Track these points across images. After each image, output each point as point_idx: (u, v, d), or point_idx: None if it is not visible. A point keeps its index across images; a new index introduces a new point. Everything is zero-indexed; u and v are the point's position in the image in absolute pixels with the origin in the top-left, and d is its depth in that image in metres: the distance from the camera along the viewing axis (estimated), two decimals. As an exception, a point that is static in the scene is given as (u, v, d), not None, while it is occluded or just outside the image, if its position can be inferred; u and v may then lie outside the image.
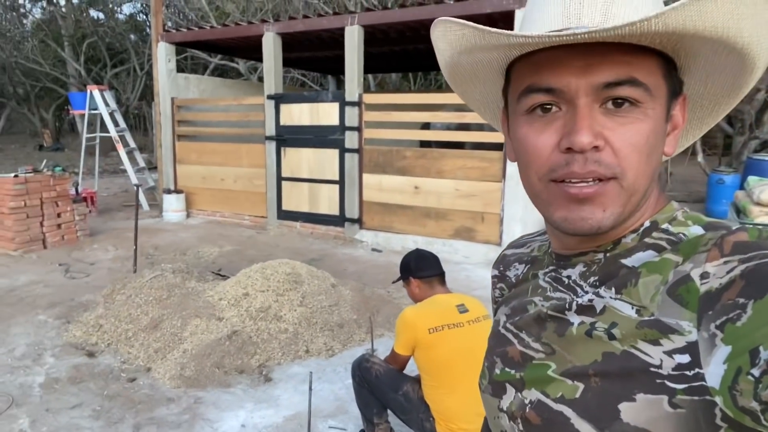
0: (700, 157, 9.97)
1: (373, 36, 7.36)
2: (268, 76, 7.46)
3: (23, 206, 6.15)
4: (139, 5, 21.70)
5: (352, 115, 6.77)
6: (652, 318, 0.53)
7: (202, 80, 9.35)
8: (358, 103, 6.73)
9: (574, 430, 0.56)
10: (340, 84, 13.01)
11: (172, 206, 8.27)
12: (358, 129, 6.78)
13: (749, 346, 0.45)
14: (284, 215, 7.63)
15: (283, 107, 7.38)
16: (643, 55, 0.55)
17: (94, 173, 10.57)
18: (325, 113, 7.02)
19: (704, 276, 0.51)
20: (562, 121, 0.56)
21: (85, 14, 21.14)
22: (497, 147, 6.03)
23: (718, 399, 0.47)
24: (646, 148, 0.56)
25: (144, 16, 22.25)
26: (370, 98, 6.86)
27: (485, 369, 0.74)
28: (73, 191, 7.24)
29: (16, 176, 6.16)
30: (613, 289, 0.58)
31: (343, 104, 6.82)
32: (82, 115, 9.68)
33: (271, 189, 7.66)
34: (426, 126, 7.48)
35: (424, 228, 6.51)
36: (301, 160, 7.37)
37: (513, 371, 0.67)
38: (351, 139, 6.83)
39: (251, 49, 8.73)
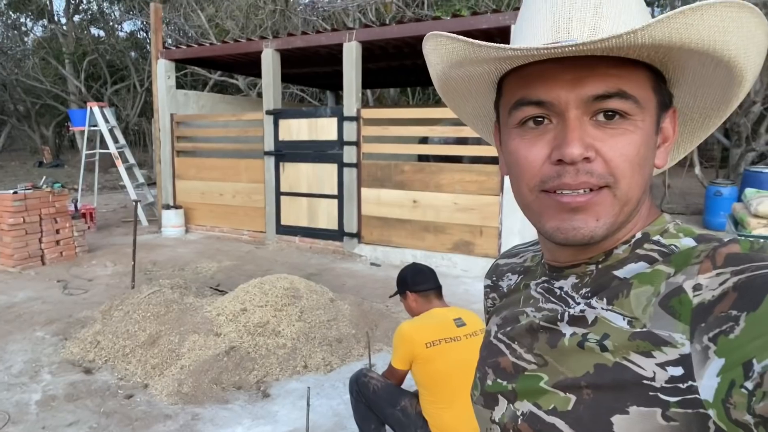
0: (697, 170, 10.00)
1: (371, 52, 7.43)
2: (267, 91, 7.51)
3: (22, 223, 6.15)
4: (139, 23, 21.89)
5: (350, 130, 6.81)
6: (644, 330, 0.53)
7: (202, 96, 9.41)
8: (356, 118, 6.76)
9: None
10: (339, 99, 13.09)
11: (171, 222, 8.27)
12: (357, 144, 6.80)
13: (742, 358, 0.45)
14: (283, 230, 7.63)
15: (282, 123, 7.41)
16: (632, 68, 0.56)
17: (94, 189, 10.58)
18: (324, 128, 7.06)
19: (697, 288, 0.51)
20: (553, 134, 0.57)
21: (85, 32, 21.35)
22: (494, 161, 6.05)
23: (711, 412, 0.47)
24: (637, 158, 0.56)
25: (144, 34, 22.43)
26: (368, 113, 6.90)
27: (477, 380, 0.74)
28: (72, 207, 7.25)
29: (15, 193, 6.17)
30: (605, 300, 0.58)
31: (342, 119, 6.86)
32: (82, 132, 9.73)
33: (269, 204, 7.67)
34: (424, 140, 7.51)
35: (422, 242, 6.51)
36: (299, 174, 7.39)
37: (505, 382, 0.67)
38: (349, 154, 6.85)
39: (250, 66, 8.80)
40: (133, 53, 22.03)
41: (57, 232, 6.52)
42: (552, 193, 0.57)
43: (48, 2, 21.21)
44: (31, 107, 23.05)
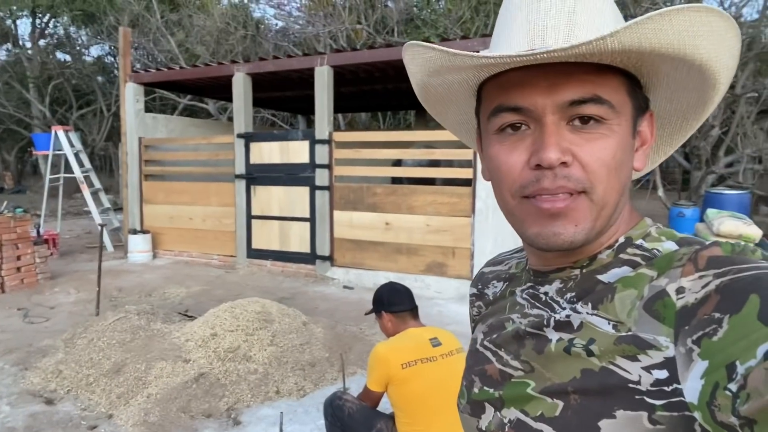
0: (660, 192, 10.29)
1: (342, 76, 7.49)
2: (238, 115, 7.48)
3: (-20, 249, 5.93)
4: (107, 47, 21.63)
5: (322, 153, 6.81)
6: (629, 333, 0.53)
7: (171, 120, 9.31)
8: (328, 141, 6.77)
9: None
10: (310, 123, 13.11)
11: (138, 247, 8.08)
12: (329, 166, 6.80)
13: (726, 360, 0.45)
14: (254, 254, 7.52)
15: (253, 146, 7.37)
16: (607, 74, 0.56)
17: (57, 215, 10.29)
18: (296, 151, 7.04)
19: (680, 291, 0.51)
20: (531, 139, 0.57)
21: (51, 56, 20.97)
22: (467, 182, 6.12)
23: (697, 414, 0.47)
24: (614, 162, 0.57)
25: (112, 58, 22.16)
26: (340, 136, 6.92)
27: (463, 388, 0.73)
28: (34, 233, 7.02)
29: (-27, 218, 5.95)
30: (589, 304, 0.58)
31: (314, 142, 6.86)
32: (46, 156, 9.51)
33: (240, 227, 7.57)
34: (398, 163, 7.56)
35: (395, 264, 6.49)
36: (271, 198, 7.33)
37: (492, 390, 0.66)
38: (321, 177, 6.84)
39: (221, 89, 8.77)
40: (100, 78, 21.70)
41: (18, 258, 6.29)
42: (532, 199, 0.58)
43: (13, 26, 20.84)
44: (-8, 132, 22.44)
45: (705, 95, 0.61)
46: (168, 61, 15.18)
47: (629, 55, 0.54)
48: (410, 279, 6.24)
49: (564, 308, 0.61)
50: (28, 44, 21.31)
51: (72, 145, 9.11)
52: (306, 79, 7.48)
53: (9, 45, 21.69)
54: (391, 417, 2.36)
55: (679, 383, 0.48)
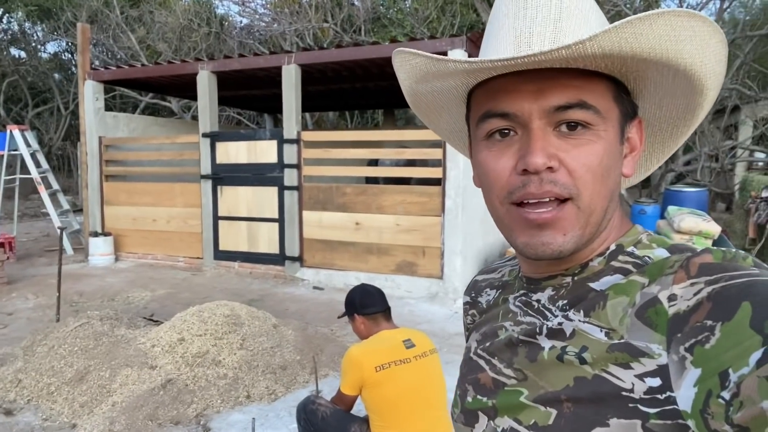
0: (622, 189, 10.55)
1: (309, 75, 7.42)
2: (203, 114, 7.33)
3: (-70, 254, 5.66)
4: (64, 44, 20.95)
5: (290, 153, 6.73)
6: (622, 341, 0.52)
7: (133, 119, 9.07)
8: (297, 141, 6.70)
9: None
10: (278, 122, 12.98)
11: (99, 250, 7.85)
12: (297, 166, 6.73)
13: (719, 368, 0.44)
14: (221, 255, 7.39)
15: (219, 145, 7.24)
16: (593, 79, 0.56)
17: (13, 217, 9.94)
18: (263, 151, 6.94)
19: (672, 298, 0.51)
20: (518, 145, 0.57)
21: (5, 52, 20.19)
22: (437, 182, 6.14)
23: (690, 422, 0.47)
24: (600, 168, 0.56)
25: (69, 55, 21.46)
26: (309, 135, 6.86)
27: (457, 397, 0.72)
28: (-12, 236, 6.74)
29: None
30: (581, 312, 0.57)
31: (282, 142, 6.78)
32: (1, 157, 9.15)
33: (207, 229, 7.43)
34: (374, 162, 7.53)
35: (366, 264, 6.47)
36: (238, 198, 7.21)
37: (485, 398, 0.66)
38: (290, 177, 6.76)
39: (185, 88, 8.59)
40: (57, 75, 21.01)
41: (-29, 263, 6.03)
42: (519, 207, 0.57)
43: (-37, 21, 20.01)
44: (-59, 131, 21.46)
45: (693, 101, 0.61)
46: (129, 58, 14.78)
47: (612, 59, 0.54)
48: (381, 279, 6.23)
49: (556, 316, 0.60)
50: (-20, 40, 20.46)
51: (28, 145, 8.80)
52: (273, 77, 7.38)
53: (-41, 40, 20.79)
54: (365, 420, 2.34)
55: (672, 391, 0.48)
